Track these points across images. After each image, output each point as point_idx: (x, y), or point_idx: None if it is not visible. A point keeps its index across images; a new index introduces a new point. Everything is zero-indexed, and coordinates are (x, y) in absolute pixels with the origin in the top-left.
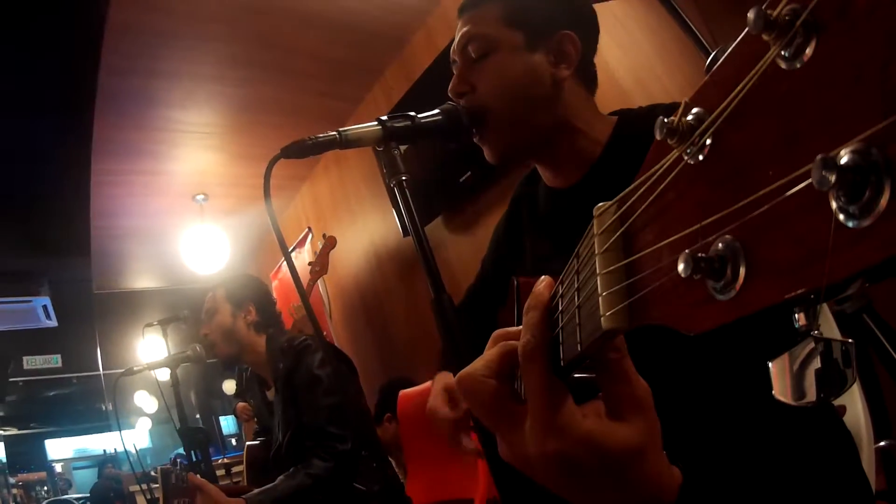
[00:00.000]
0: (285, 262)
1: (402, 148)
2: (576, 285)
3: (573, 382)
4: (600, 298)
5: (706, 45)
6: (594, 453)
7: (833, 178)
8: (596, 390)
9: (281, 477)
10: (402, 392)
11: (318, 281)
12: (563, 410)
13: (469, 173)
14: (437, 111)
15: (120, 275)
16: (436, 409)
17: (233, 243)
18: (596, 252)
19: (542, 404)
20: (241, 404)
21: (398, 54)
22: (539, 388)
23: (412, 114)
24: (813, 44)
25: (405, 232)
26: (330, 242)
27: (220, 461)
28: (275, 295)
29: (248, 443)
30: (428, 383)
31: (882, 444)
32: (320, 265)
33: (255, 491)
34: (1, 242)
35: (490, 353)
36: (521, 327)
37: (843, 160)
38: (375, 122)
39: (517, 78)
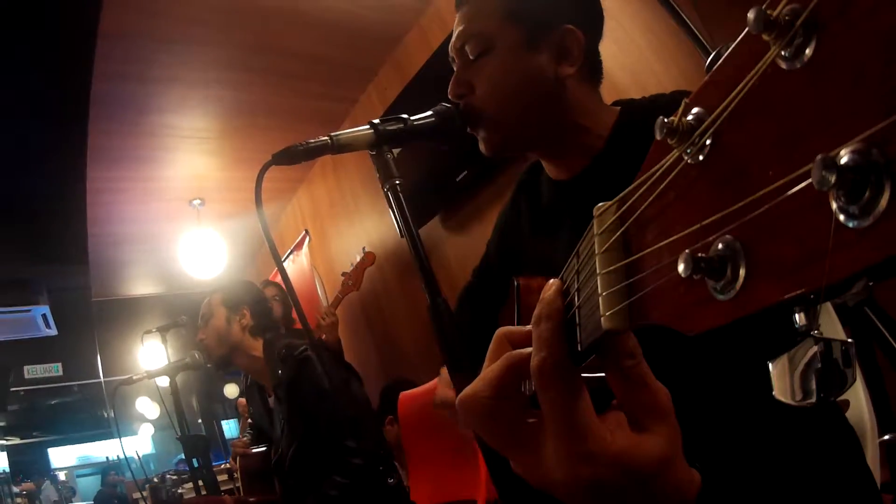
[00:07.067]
0: (289, 264)
1: (396, 151)
2: (576, 285)
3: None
4: (600, 298)
5: (702, 41)
6: (626, 472)
7: (833, 178)
8: (603, 390)
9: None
10: (403, 394)
11: (317, 282)
12: (591, 433)
13: (465, 172)
14: (429, 113)
15: (118, 282)
16: (446, 398)
17: (231, 247)
18: (596, 252)
19: (567, 429)
20: (241, 399)
21: (392, 54)
22: (562, 412)
23: (404, 116)
24: (813, 44)
25: (402, 233)
26: (368, 259)
27: (222, 466)
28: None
29: (240, 451)
30: (429, 384)
31: (886, 437)
32: (354, 279)
33: None
34: None
35: (492, 369)
36: (527, 328)
37: (844, 160)
38: (367, 126)
39: (516, 80)
